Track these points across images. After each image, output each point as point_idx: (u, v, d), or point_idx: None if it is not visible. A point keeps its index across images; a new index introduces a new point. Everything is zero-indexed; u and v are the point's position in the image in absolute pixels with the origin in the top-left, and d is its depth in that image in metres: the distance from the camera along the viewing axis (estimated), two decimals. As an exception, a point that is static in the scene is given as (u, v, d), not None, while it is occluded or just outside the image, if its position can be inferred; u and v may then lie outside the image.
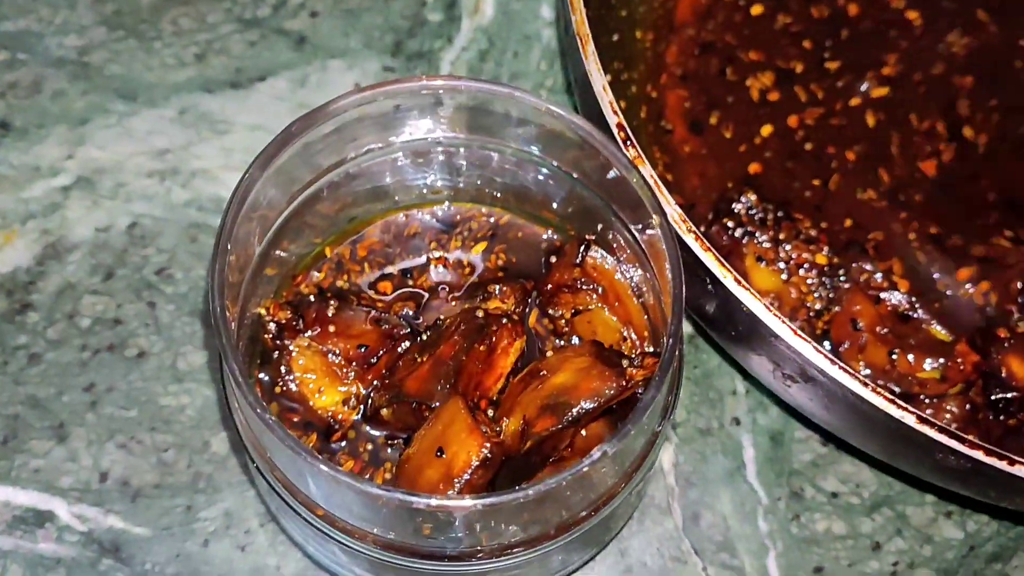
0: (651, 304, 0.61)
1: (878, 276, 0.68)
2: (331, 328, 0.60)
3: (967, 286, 0.68)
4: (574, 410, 0.53)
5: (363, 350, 0.60)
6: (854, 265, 0.68)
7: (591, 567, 0.66)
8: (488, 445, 0.51)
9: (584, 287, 0.61)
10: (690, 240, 0.57)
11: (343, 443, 0.59)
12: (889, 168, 0.71)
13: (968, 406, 0.63)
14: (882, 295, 0.67)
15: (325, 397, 0.60)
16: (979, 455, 0.53)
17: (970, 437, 0.52)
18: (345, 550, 0.55)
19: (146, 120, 0.77)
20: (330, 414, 0.60)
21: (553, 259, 0.64)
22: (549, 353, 0.61)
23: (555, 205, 0.64)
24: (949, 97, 0.73)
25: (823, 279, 0.68)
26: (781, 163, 0.72)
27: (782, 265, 0.68)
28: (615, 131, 0.59)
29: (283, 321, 0.60)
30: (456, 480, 0.51)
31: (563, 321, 0.62)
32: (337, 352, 0.60)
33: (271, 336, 0.60)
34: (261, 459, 0.54)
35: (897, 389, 0.65)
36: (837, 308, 0.67)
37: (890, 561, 0.67)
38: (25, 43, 0.79)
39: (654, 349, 0.61)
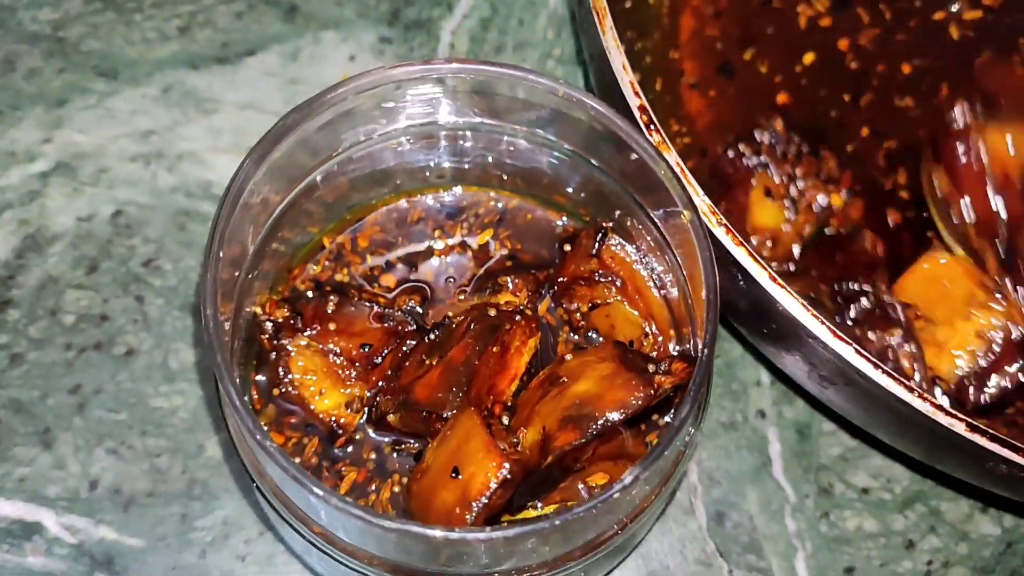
0: (674, 297, 0.57)
1: None
2: (331, 326, 0.57)
3: None
4: (599, 422, 0.50)
5: (366, 349, 0.56)
6: None
7: (612, 573, 0.62)
8: (507, 465, 0.47)
9: (601, 279, 0.57)
10: (720, 233, 0.52)
11: (348, 448, 0.55)
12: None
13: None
14: None
15: (327, 400, 0.57)
16: (1034, 464, 0.49)
17: (1025, 446, 0.49)
18: (350, 571, 0.52)
19: (128, 100, 0.72)
20: (332, 418, 0.56)
21: (567, 247, 0.60)
22: (562, 346, 0.58)
23: (569, 189, 0.60)
24: None
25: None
26: (815, 91, 0.70)
27: (788, 203, 0.65)
28: (637, 114, 0.54)
29: (280, 320, 0.56)
30: (474, 503, 0.47)
31: (579, 315, 0.58)
32: (338, 351, 0.56)
33: (268, 336, 0.56)
34: (261, 479, 0.51)
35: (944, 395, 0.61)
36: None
37: (924, 560, 0.64)
38: (-4, 17, 0.75)
39: (679, 348, 0.57)
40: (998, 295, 0.61)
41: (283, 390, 0.56)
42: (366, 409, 0.56)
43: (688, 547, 0.64)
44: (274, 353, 0.56)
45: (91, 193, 0.70)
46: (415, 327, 0.57)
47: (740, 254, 0.52)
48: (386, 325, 0.57)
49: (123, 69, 0.73)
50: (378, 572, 0.50)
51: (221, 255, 0.49)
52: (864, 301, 0.60)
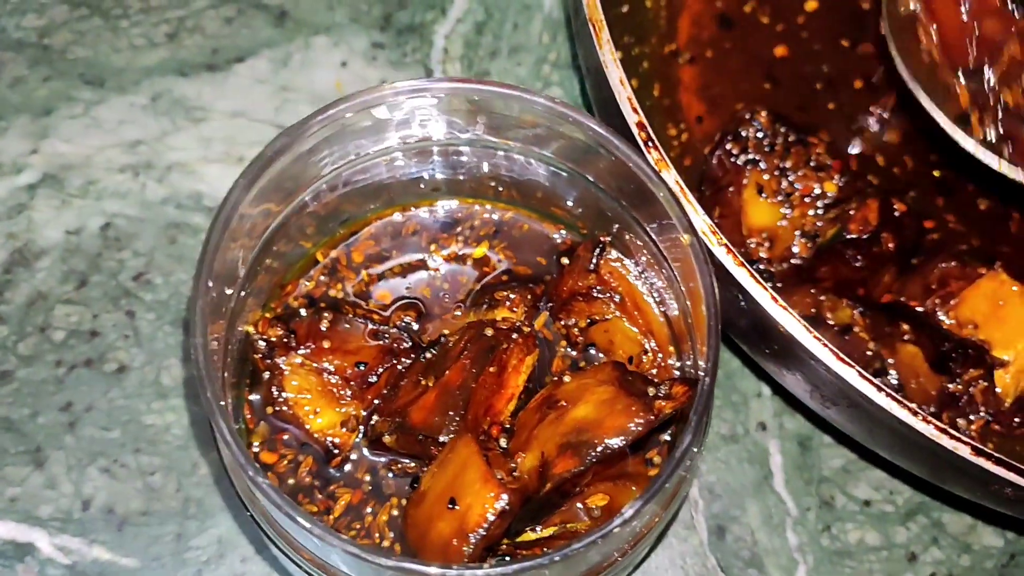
0: (673, 313, 0.56)
1: None
2: (325, 344, 0.56)
3: None
4: (598, 449, 0.49)
5: (361, 367, 0.56)
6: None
7: (612, 591, 0.62)
8: (505, 496, 0.47)
9: (600, 295, 0.56)
10: (721, 253, 0.51)
11: (344, 467, 0.54)
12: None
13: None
14: None
15: (322, 419, 0.56)
16: (1040, 489, 0.49)
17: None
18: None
19: (115, 108, 0.71)
20: (328, 437, 0.55)
21: (564, 260, 0.59)
22: (560, 362, 0.57)
23: (567, 203, 0.59)
24: None
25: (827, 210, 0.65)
26: (813, 44, 0.70)
27: (782, 198, 0.64)
28: (635, 130, 0.53)
29: (273, 339, 0.55)
30: (471, 535, 0.47)
31: (577, 330, 0.57)
32: (333, 370, 0.56)
33: (261, 355, 0.55)
34: (252, 505, 0.50)
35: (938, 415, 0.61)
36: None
37: (927, 572, 0.64)
38: (-21, 24, 0.73)
39: (679, 364, 0.56)
40: None
41: (277, 409, 0.55)
42: (361, 428, 0.55)
43: (689, 562, 0.63)
44: (268, 372, 0.55)
45: (79, 205, 0.69)
46: (410, 344, 0.56)
47: (742, 275, 0.51)
48: (381, 342, 0.56)
49: (110, 77, 0.72)
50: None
51: (211, 284, 0.48)
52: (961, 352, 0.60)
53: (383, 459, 0.55)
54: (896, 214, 0.64)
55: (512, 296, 0.58)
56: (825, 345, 0.50)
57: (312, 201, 0.57)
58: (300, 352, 0.55)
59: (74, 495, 0.62)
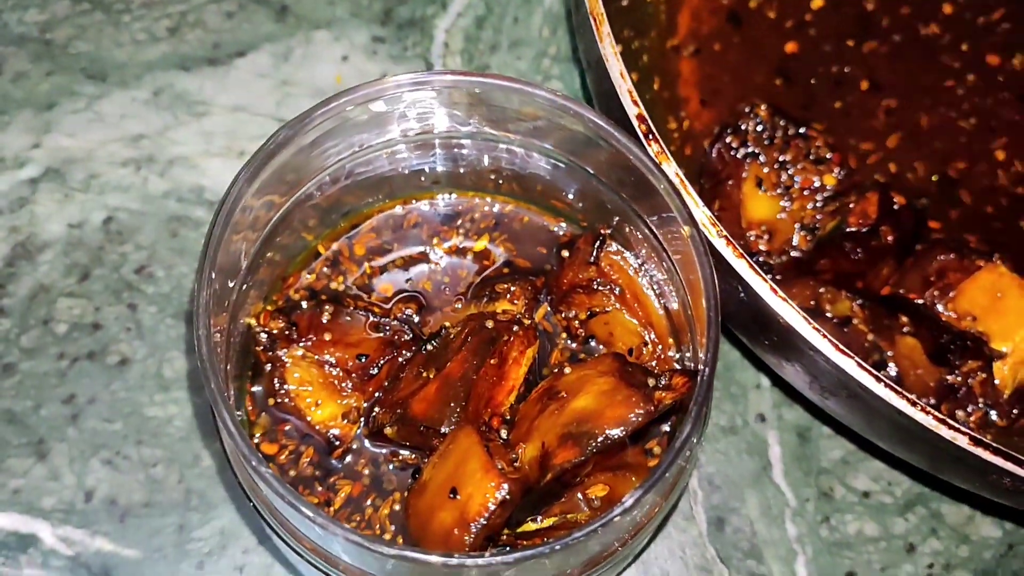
0: (673, 305, 0.56)
1: None
2: (327, 336, 0.56)
3: None
4: (598, 439, 0.49)
5: (362, 359, 0.56)
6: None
7: (612, 581, 0.62)
8: (506, 486, 0.47)
9: (600, 288, 0.57)
10: (721, 245, 0.52)
11: (345, 458, 0.55)
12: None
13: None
14: None
15: (323, 411, 0.56)
16: (1038, 478, 0.49)
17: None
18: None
19: (117, 103, 0.71)
20: (329, 428, 0.55)
21: (565, 253, 0.59)
22: (560, 354, 0.57)
23: (567, 195, 0.59)
24: None
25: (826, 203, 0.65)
26: (823, 42, 0.70)
27: (782, 191, 0.65)
28: (635, 123, 0.53)
29: (275, 331, 0.55)
30: (472, 524, 0.47)
31: (577, 322, 0.57)
32: (334, 362, 0.56)
33: (263, 348, 0.56)
34: (255, 495, 0.50)
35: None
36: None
37: (925, 563, 0.64)
38: (-19, 19, 0.73)
39: (679, 356, 0.56)
40: None
41: (279, 401, 0.55)
42: (363, 420, 0.56)
43: (688, 553, 0.64)
44: (269, 364, 0.56)
45: (82, 199, 0.69)
46: (411, 336, 0.56)
47: (741, 267, 0.51)
48: (382, 335, 0.56)
49: (112, 71, 0.72)
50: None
51: (213, 276, 0.48)
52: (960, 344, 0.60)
53: (384, 451, 0.55)
54: (895, 207, 0.64)
55: (513, 288, 0.58)
56: (824, 336, 0.50)
57: (314, 194, 0.57)
58: (302, 344, 0.56)
59: (77, 487, 0.63)
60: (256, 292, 0.57)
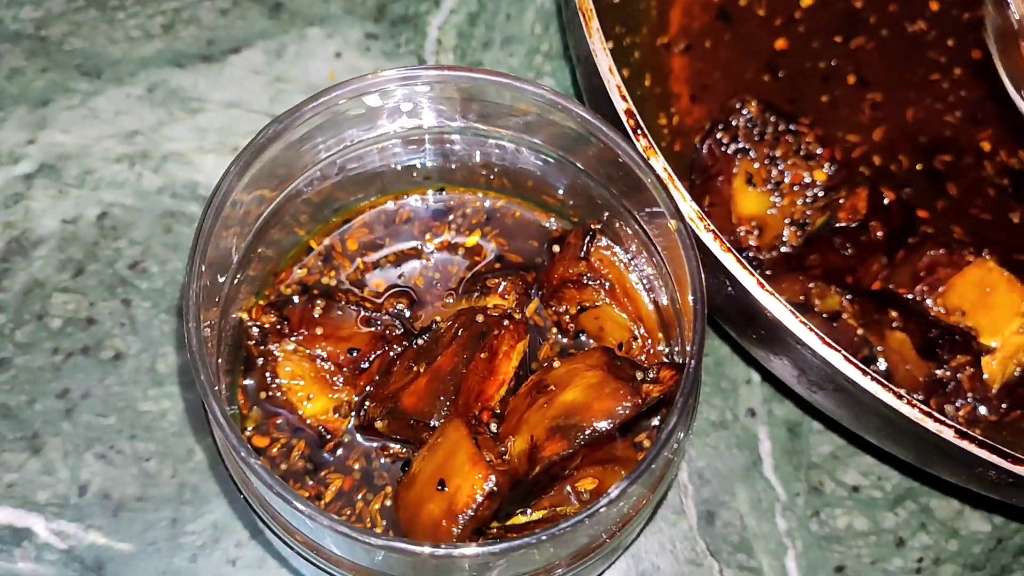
0: (662, 299, 0.56)
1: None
2: (318, 330, 0.56)
3: None
4: (586, 432, 0.49)
5: (354, 354, 0.56)
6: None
7: (602, 575, 0.63)
8: (494, 478, 0.47)
9: (590, 282, 0.57)
10: (708, 239, 0.52)
11: (336, 452, 0.55)
12: None
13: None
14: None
15: (314, 405, 0.56)
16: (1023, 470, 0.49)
17: (1015, 453, 0.49)
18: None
19: (112, 99, 0.72)
20: (320, 422, 0.56)
21: (556, 248, 0.59)
22: (549, 348, 0.58)
23: (558, 191, 0.59)
24: None
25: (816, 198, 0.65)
26: (811, 38, 0.70)
27: (772, 187, 0.65)
28: (624, 118, 0.54)
29: (267, 325, 0.56)
30: (460, 516, 0.47)
31: (567, 317, 0.58)
32: (325, 356, 0.56)
33: (255, 342, 0.56)
34: (246, 488, 0.51)
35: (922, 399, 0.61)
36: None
37: (914, 557, 0.64)
38: (-23, 16, 0.74)
39: (668, 353, 0.57)
40: None
41: (270, 395, 0.56)
42: (354, 414, 0.56)
43: (678, 546, 0.64)
44: (261, 358, 0.56)
45: (76, 195, 0.69)
46: (402, 331, 0.57)
47: (728, 260, 0.51)
48: (373, 329, 0.57)
49: (107, 68, 0.72)
50: (366, 583, 0.50)
51: (203, 269, 0.48)
52: (949, 338, 0.60)
53: (375, 444, 0.55)
54: (885, 202, 0.64)
55: (503, 283, 0.58)
56: (811, 329, 0.50)
57: (305, 188, 0.58)
58: (293, 338, 0.56)
59: (71, 481, 0.63)
60: (248, 287, 0.58)
